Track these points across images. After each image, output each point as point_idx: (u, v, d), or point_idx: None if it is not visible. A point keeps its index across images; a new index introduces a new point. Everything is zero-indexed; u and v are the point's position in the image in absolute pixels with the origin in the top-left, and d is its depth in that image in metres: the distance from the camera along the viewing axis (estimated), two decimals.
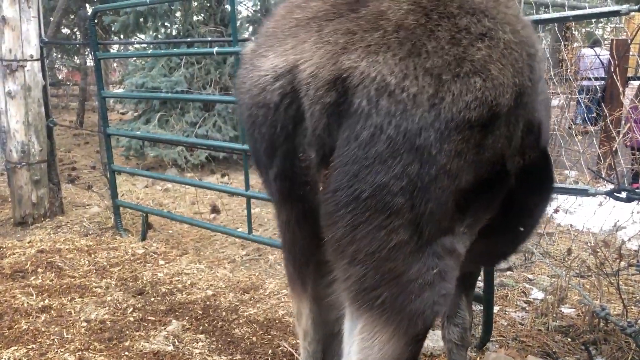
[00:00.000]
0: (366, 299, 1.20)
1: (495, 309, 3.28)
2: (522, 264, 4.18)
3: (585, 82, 8.27)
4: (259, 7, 11.28)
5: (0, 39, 4.99)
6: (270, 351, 2.95)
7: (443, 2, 1.21)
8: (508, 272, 4.06)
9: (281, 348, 2.99)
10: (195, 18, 9.43)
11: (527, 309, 3.46)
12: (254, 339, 3.09)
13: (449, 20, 1.19)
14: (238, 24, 8.83)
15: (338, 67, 1.14)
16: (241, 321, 3.30)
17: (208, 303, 3.54)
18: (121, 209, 5.18)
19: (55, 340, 3.08)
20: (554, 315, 3.26)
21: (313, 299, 1.47)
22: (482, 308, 2.98)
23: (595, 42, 10.85)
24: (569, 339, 3.03)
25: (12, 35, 4.97)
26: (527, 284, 3.83)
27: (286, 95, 1.19)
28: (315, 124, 1.17)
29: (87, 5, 14.08)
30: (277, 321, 3.30)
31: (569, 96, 7.07)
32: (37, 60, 5.17)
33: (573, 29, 8.62)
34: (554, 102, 7.43)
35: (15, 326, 3.24)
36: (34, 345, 3.02)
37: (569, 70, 6.09)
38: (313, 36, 1.19)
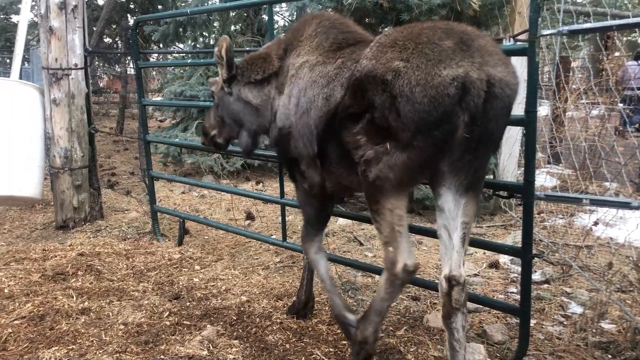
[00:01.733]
0: (474, 187, 2.41)
1: (532, 322, 3.22)
2: (559, 277, 4.09)
3: (628, 92, 8.09)
4: (295, 16, 11.37)
5: (47, 49, 5.17)
6: (303, 358, 2.96)
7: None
8: (545, 285, 3.98)
9: (314, 356, 2.99)
10: (232, 28, 9.58)
11: (564, 323, 3.39)
12: (287, 345, 3.10)
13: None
14: (275, 33, 8.94)
15: (486, 73, 2.16)
16: (275, 328, 3.32)
17: (242, 309, 3.58)
18: (159, 214, 5.28)
19: (94, 341, 3.15)
20: (594, 330, 3.18)
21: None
22: (518, 321, 2.93)
23: (639, 54, 10.61)
24: (609, 356, 2.95)
25: (58, 45, 5.15)
26: (565, 298, 3.75)
27: (458, 88, 2.12)
28: (477, 101, 2.15)
29: (128, 15, 14.46)
30: (310, 329, 3.30)
31: (610, 106, 6.91)
32: (81, 68, 5.34)
33: (615, 38, 8.43)
34: (594, 112, 7.26)
35: (56, 327, 3.33)
36: (73, 346, 3.10)
37: (610, 80, 5.95)
38: (465, 59, 2.16)
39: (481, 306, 3.46)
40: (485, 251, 4.74)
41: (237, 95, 3.34)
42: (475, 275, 4.23)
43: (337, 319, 3.06)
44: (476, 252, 4.77)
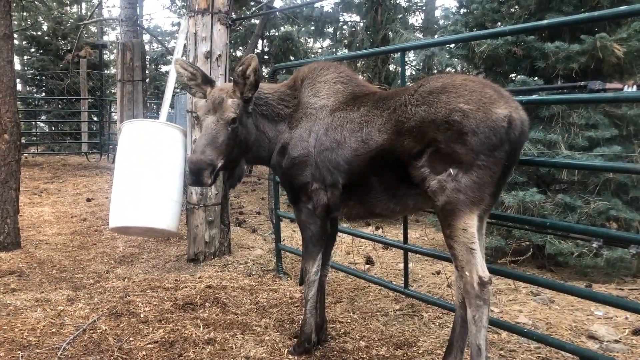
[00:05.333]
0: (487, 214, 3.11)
1: None
2: None
3: None
4: (421, 65, 11.46)
5: None
6: None
7: None
8: None
9: None
10: (360, 77, 9.83)
11: None
12: None
13: None
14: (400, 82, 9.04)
15: (519, 114, 2.79)
16: None
17: (361, 354, 3.52)
18: (282, 252, 5.42)
19: None
20: None
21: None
22: None
23: None
24: None
25: None
26: None
27: (507, 123, 2.71)
28: (515, 134, 2.74)
29: (262, 66, 15.39)
30: None
31: None
32: None
33: None
34: None
35: (184, 354, 3.49)
36: None
37: None
38: (505, 103, 2.77)
39: None
40: (628, 316, 4.31)
41: (254, 120, 3.52)
42: (617, 341, 3.84)
43: (303, 336, 3.56)
44: (617, 316, 4.34)
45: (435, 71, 10.88)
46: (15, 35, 12.09)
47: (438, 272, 5.64)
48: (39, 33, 21.34)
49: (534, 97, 4.38)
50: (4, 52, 5.89)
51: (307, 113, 3.46)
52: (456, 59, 8.48)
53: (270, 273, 5.39)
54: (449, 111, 2.76)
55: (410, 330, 3.97)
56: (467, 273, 2.75)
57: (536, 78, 5.91)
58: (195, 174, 3.16)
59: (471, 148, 2.70)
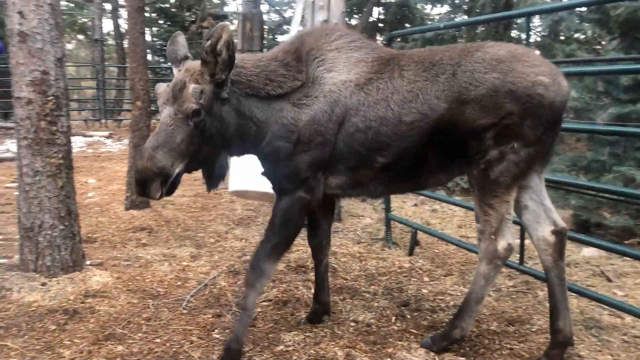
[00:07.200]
0: (545, 166, 3.06)
1: None
2: None
3: None
4: (547, 32, 10.75)
5: None
6: None
7: None
8: None
9: None
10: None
11: None
12: None
13: None
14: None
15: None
16: (504, 352, 3.16)
17: (470, 328, 3.47)
18: (391, 222, 5.43)
19: (327, 333, 3.37)
20: None
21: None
22: None
23: None
24: None
25: None
26: None
27: (568, 96, 2.75)
28: (566, 105, 2.77)
29: (377, 34, 15.23)
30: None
31: None
32: None
33: None
34: None
35: (296, 314, 3.65)
36: (310, 334, 3.36)
37: None
38: (562, 76, 2.76)
39: None
40: None
41: (234, 106, 2.82)
42: None
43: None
44: None
45: (563, 37, 10.16)
46: (146, 8, 12.92)
47: None
48: (167, 5, 22.60)
49: None
50: (137, 24, 6.31)
51: (324, 90, 2.88)
52: (587, 24, 7.85)
53: (379, 242, 5.43)
54: (531, 83, 2.65)
55: (523, 308, 3.85)
56: (493, 237, 2.90)
57: None
58: (140, 185, 2.61)
59: (542, 122, 2.69)
